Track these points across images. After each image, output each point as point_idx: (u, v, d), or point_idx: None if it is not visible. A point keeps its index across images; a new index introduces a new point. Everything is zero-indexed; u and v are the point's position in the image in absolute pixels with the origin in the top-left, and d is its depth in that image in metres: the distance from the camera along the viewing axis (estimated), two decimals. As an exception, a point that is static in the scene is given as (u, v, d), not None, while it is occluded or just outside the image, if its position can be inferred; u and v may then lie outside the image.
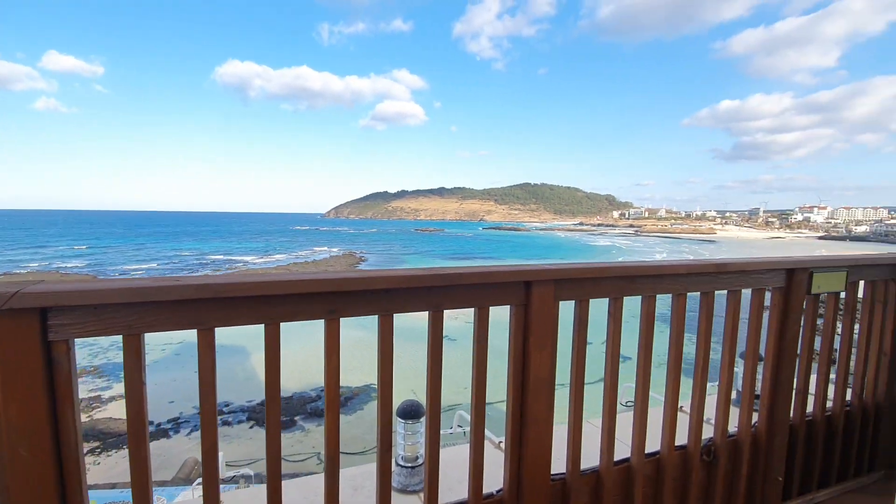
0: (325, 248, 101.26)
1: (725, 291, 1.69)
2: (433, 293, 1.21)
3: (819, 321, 1.96)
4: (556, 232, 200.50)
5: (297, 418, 17.16)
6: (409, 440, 1.70)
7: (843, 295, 2.01)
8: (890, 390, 2.23)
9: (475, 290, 1.27)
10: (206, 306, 0.97)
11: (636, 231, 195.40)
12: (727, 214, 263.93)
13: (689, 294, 1.61)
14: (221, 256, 74.67)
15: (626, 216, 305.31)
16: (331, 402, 1.18)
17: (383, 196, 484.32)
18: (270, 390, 1.10)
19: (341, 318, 1.12)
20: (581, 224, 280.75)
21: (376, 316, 1.18)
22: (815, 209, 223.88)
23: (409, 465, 1.69)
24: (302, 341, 29.36)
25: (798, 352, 1.88)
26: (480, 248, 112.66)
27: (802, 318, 1.87)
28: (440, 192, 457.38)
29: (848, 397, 2.14)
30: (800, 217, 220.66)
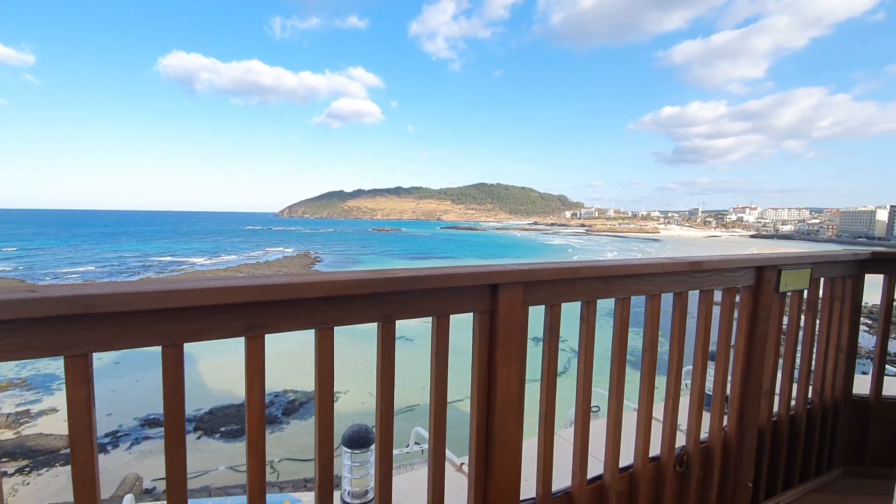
0: (279, 249, 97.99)
1: (698, 291, 1.65)
2: (383, 301, 1.06)
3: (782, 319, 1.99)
4: (512, 231, 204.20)
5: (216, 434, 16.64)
6: (357, 473, 1.45)
7: (804, 292, 2.01)
8: (847, 386, 2.25)
9: (433, 296, 1.12)
10: (74, 326, 0.75)
11: (587, 230, 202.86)
12: (669, 214, 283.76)
13: (662, 295, 1.55)
14: (167, 258, 70.72)
15: (578, 216, 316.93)
16: (253, 443, 0.95)
17: (339, 195, 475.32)
18: (172, 420, 0.86)
19: (268, 335, 0.93)
20: (535, 223, 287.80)
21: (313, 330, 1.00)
22: (747, 210, 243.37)
23: (358, 501, 1.47)
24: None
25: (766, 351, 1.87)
26: (439, 247, 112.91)
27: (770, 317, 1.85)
28: (397, 191, 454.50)
29: (809, 395, 2.14)
30: (734, 217, 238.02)
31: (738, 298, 1.79)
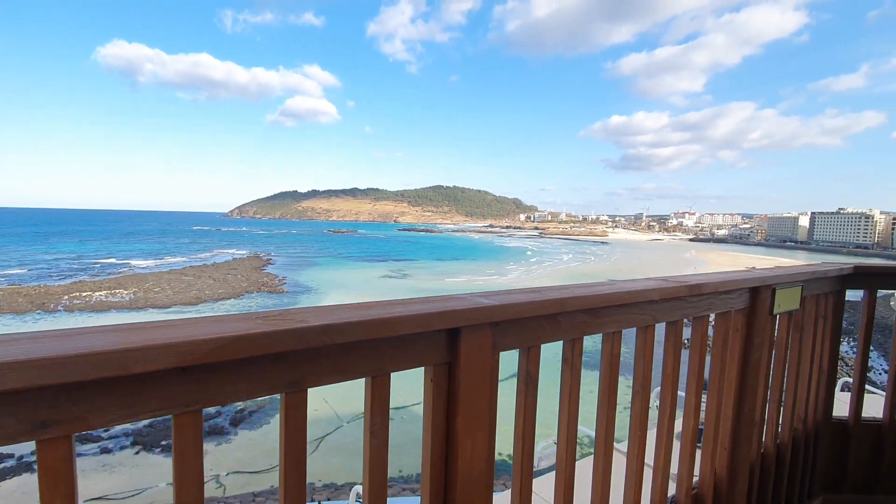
0: (228, 251, 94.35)
1: (691, 318, 1.46)
2: (287, 363, 0.74)
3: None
4: (468, 234, 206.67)
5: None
6: None
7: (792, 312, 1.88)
8: (827, 409, 2.14)
9: (365, 350, 0.81)
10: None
11: (540, 233, 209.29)
12: (617, 218, 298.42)
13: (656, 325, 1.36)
14: (104, 260, 66.49)
15: (532, 219, 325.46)
16: None
17: (293, 195, 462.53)
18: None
19: (79, 433, 0.60)
20: (491, 226, 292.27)
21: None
22: (687, 215, 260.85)
23: None
24: None
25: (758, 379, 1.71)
26: (397, 249, 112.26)
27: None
28: (353, 192, 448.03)
29: (792, 421, 2.01)
30: (675, 221, 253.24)
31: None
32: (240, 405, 18.92)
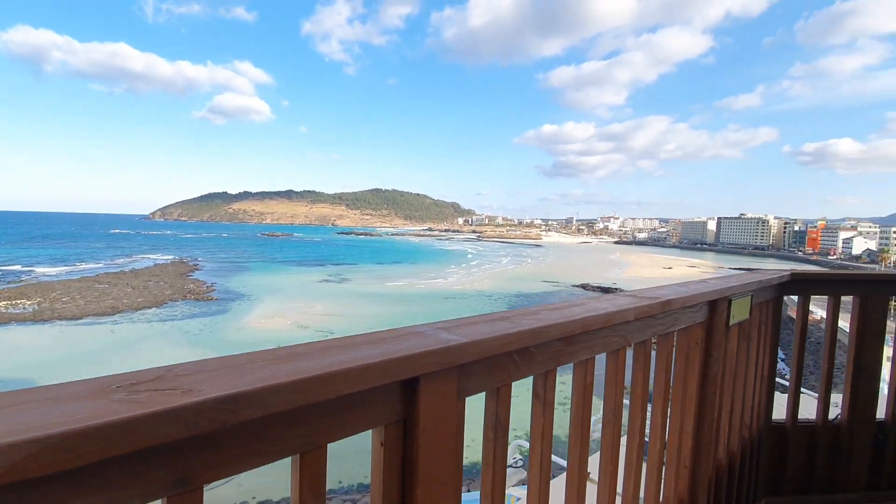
0: (150, 255, 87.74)
1: (656, 336, 1.38)
2: (167, 458, 0.49)
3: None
4: (408, 237, 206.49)
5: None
6: None
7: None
8: (768, 413, 2.17)
9: (291, 422, 0.59)
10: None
11: (478, 236, 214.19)
12: (549, 222, 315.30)
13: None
14: (6, 267, 59.78)
15: (470, 222, 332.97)
16: None
17: (223, 197, 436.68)
18: None
19: None
20: (430, 229, 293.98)
21: None
22: (612, 219, 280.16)
23: None
24: (122, 357, 25.29)
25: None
26: (335, 253, 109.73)
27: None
28: (288, 194, 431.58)
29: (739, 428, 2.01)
30: (601, 225, 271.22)
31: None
32: None
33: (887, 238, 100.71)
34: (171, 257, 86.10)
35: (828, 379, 2.17)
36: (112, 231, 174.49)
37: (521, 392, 0.88)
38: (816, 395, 2.43)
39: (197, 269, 70.13)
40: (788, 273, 2.10)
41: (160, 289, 49.66)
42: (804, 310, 2.17)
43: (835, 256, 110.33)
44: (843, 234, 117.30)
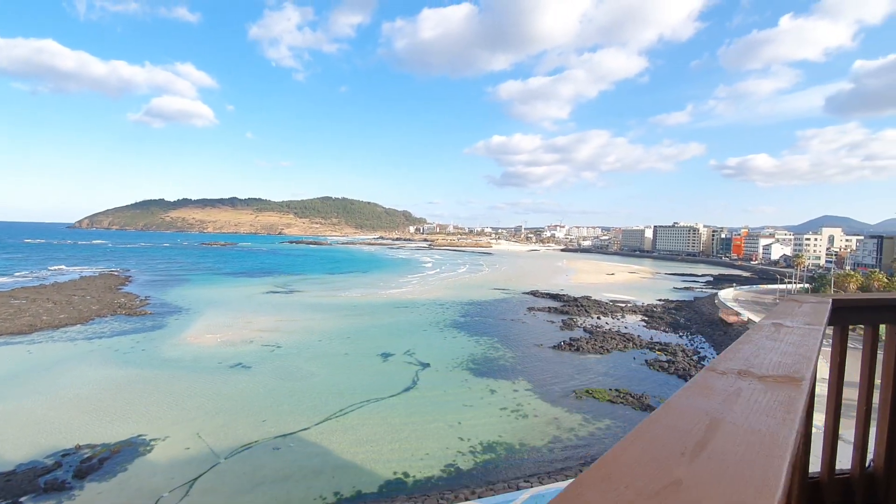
0: (74, 268, 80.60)
1: None
2: None
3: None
4: (358, 245, 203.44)
5: (22, 499, 13.58)
6: None
7: None
8: (804, 466, 2.02)
9: None
10: None
11: (430, 245, 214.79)
12: (499, 231, 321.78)
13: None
14: None
15: (421, 231, 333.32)
16: None
17: (159, 204, 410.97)
18: None
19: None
20: (381, 238, 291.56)
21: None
22: (558, 227, 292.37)
23: None
24: (40, 380, 22.91)
25: None
26: (283, 263, 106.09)
27: None
28: (232, 202, 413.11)
29: None
30: (549, 233, 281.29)
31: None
32: (87, 452, 16.29)
33: (800, 245, 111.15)
34: (99, 269, 79.70)
35: (865, 422, 2.01)
36: (26, 241, 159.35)
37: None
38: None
39: (129, 282, 65.33)
40: (828, 300, 1.89)
41: (86, 304, 45.72)
42: (842, 343, 1.95)
43: (756, 262, 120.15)
44: (763, 241, 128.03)
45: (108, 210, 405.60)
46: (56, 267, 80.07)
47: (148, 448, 16.80)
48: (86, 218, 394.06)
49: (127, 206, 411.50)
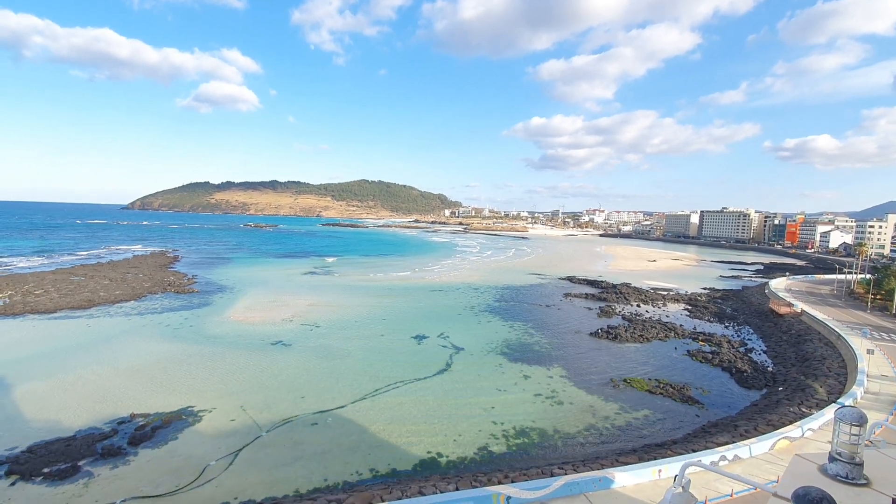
0: (128, 247, 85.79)
1: None
2: None
3: None
4: (394, 229, 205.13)
5: (81, 463, 14.53)
6: None
7: None
8: None
9: None
10: None
11: (465, 228, 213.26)
12: (536, 215, 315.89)
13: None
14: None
15: (457, 214, 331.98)
16: None
17: (205, 187, 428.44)
18: None
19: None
20: (416, 221, 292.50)
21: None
22: (597, 212, 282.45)
23: None
24: (98, 353, 24.51)
25: None
26: (321, 244, 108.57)
27: None
28: (273, 185, 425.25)
29: None
30: (587, 218, 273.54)
31: None
32: (140, 420, 17.25)
33: (863, 232, 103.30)
34: (150, 248, 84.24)
35: None
36: (87, 221, 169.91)
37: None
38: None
39: (178, 261, 68.55)
40: None
41: (139, 281, 48.38)
42: None
43: (812, 250, 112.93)
44: (820, 228, 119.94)
45: (157, 192, 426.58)
46: (111, 246, 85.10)
47: (196, 419, 17.63)
48: (138, 199, 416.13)
49: (175, 188, 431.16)
